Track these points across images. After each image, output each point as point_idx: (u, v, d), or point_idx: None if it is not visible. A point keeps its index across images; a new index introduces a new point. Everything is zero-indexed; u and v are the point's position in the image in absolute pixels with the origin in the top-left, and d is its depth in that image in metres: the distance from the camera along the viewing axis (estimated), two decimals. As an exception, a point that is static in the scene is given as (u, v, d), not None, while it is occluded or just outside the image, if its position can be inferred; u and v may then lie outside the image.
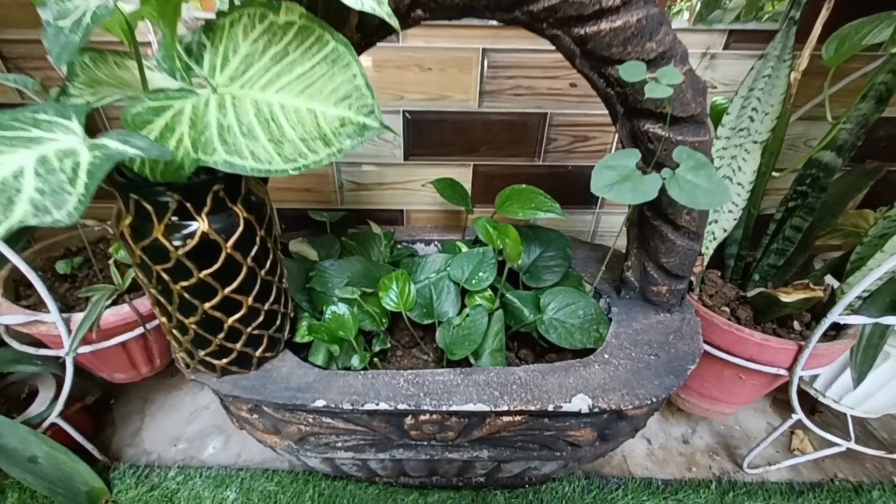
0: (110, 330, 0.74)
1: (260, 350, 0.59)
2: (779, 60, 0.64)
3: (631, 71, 0.48)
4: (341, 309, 0.66)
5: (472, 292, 0.72)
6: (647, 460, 0.93)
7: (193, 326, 0.53)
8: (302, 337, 0.66)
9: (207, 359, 0.57)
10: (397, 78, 0.83)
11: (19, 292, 0.78)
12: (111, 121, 0.86)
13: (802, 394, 0.78)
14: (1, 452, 0.69)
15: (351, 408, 0.56)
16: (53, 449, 0.75)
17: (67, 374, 0.73)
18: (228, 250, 0.49)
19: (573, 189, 0.98)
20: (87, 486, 0.77)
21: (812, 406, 1.00)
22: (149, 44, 0.78)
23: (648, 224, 0.65)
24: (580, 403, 0.57)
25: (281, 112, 0.39)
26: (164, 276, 0.48)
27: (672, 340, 0.66)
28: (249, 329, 0.56)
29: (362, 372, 0.61)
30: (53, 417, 0.77)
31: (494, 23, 0.76)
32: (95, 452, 0.85)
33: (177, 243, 0.46)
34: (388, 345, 0.71)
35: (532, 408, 0.56)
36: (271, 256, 0.55)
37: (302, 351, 0.67)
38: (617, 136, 0.91)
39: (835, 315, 0.65)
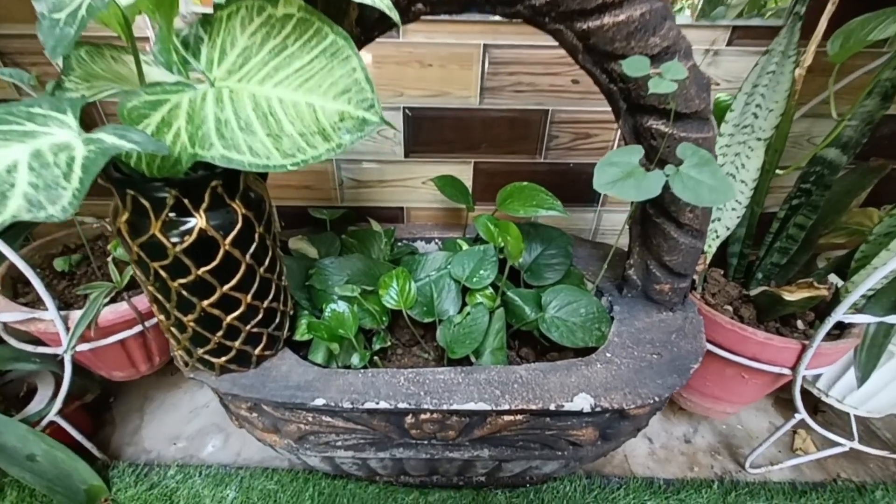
0: (109, 328, 0.73)
1: (259, 348, 0.59)
2: (783, 56, 0.63)
3: (634, 66, 0.48)
4: (341, 307, 0.65)
5: (472, 290, 0.71)
6: (648, 460, 0.92)
7: (192, 324, 0.53)
8: (301, 335, 0.66)
9: (206, 357, 0.57)
10: (397, 74, 0.82)
11: (17, 289, 0.77)
12: (109, 117, 0.85)
13: (805, 393, 0.77)
14: (-1, 451, 0.69)
15: (351, 406, 0.56)
16: (52, 447, 0.74)
17: (66, 372, 0.73)
18: (227, 247, 0.48)
19: (574, 187, 0.97)
20: (85, 485, 0.77)
21: (814, 405, 0.99)
22: (147, 39, 0.77)
23: (651, 222, 0.64)
24: (582, 403, 0.56)
25: (279, 106, 0.38)
26: (162, 273, 0.48)
27: (675, 339, 0.65)
28: (248, 327, 0.56)
29: (362, 370, 0.60)
30: (52, 415, 0.76)
31: (496, 18, 0.76)
32: (94, 451, 0.85)
33: (174, 240, 0.46)
34: (389, 343, 0.71)
35: (533, 407, 0.56)
36: (270, 254, 0.55)
37: (301, 349, 0.66)
38: (619, 133, 0.91)
39: (839, 314, 0.64)
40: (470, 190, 0.84)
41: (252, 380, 0.59)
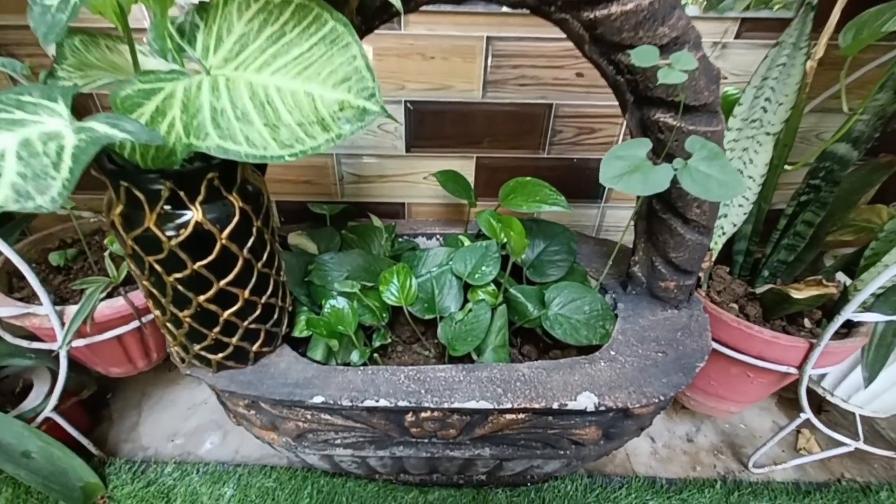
0: (105, 323, 0.72)
1: (257, 345, 0.58)
2: (794, 48, 0.61)
3: (643, 56, 0.46)
4: (341, 303, 0.64)
5: (474, 287, 0.70)
6: (650, 459, 0.91)
7: (188, 320, 0.52)
8: (300, 331, 0.64)
9: (203, 353, 0.56)
10: (399, 66, 0.80)
11: (12, 284, 0.76)
12: (106, 109, 0.84)
13: (809, 392, 0.76)
14: (-6, 447, 0.68)
15: (350, 404, 0.55)
16: (48, 444, 0.73)
17: (61, 367, 0.72)
18: (223, 241, 0.47)
19: (578, 182, 0.96)
20: (82, 482, 0.76)
21: (818, 405, 0.98)
22: (144, 30, 0.76)
23: (657, 217, 0.63)
24: (586, 401, 0.55)
25: (277, 95, 0.37)
26: (157, 267, 0.47)
27: (680, 337, 0.64)
28: (246, 323, 0.55)
29: (362, 368, 0.59)
30: (48, 412, 0.76)
31: (500, 9, 0.75)
32: (91, 447, 0.84)
33: (170, 233, 0.44)
34: (389, 340, 0.70)
35: (536, 406, 0.55)
36: (268, 248, 0.54)
37: (300, 346, 0.65)
38: (624, 128, 0.89)
39: (849, 312, 0.63)
40: (472, 185, 0.83)
41: (250, 377, 0.58)
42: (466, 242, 0.77)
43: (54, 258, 0.78)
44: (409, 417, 0.58)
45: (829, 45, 0.61)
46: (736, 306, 0.78)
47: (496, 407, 0.55)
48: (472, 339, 0.64)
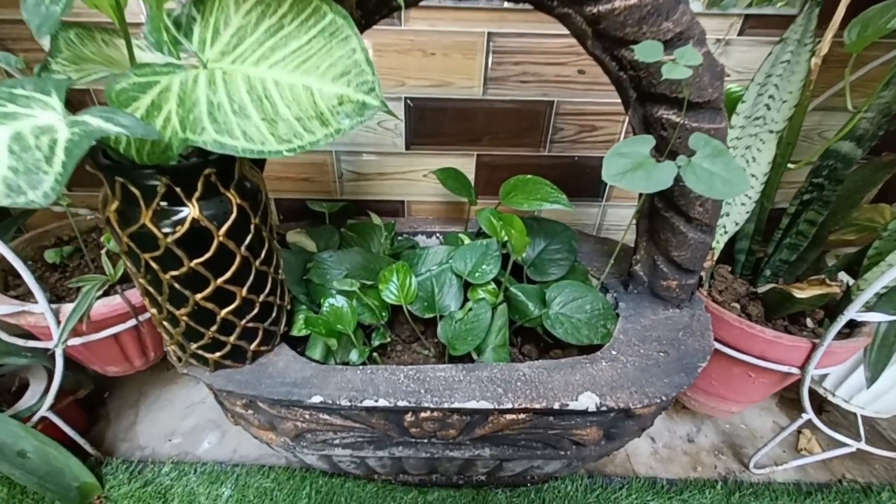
0: (102, 322, 0.71)
1: (255, 343, 0.57)
2: (799, 45, 0.61)
3: (647, 51, 0.46)
4: (340, 301, 0.64)
5: (475, 285, 0.69)
6: (651, 459, 0.91)
7: (185, 318, 0.51)
8: (299, 330, 0.64)
9: (200, 352, 0.55)
10: (399, 63, 0.80)
11: (8, 282, 0.75)
12: (104, 106, 0.83)
13: (810, 393, 0.75)
14: (-12, 447, 0.67)
15: (349, 404, 0.54)
16: (43, 443, 0.73)
17: (57, 366, 0.71)
18: (221, 238, 0.46)
19: (579, 181, 0.95)
20: (78, 482, 0.75)
21: (819, 405, 0.98)
22: (141, 25, 0.75)
23: (659, 216, 0.62)
24: (587, 402, 0.54)
25: (275, 89, 0.36)
26: (153, 264, 0.46)
27: (682, 337, 0.64)
28: (243, 322, 0.54)
29: (361, 367, 0.59)
30: (44, 411, 0.75)
31: (501, 4, 0.74)
32: (87, 447, 0.83)
33: (166, 230, 0.44)
34: (388, 339, 0.69)
35: (537, 406, 0.54)
36: (266, 246, 0.53)
37: (299, 345, 0.64)
38: (626, 125, 0.89)
39: (852, 312, 0.62)
40: (472, 183, 0.82)
41: (247, 376, 0.57)
42: (466, 241, 0.76)
43: (50, 255, 0.78)
44: (409, 417, 0.57)
45: (832, 42, 0.60)
46: (738, 306, 0.77)
47: (496, 407, 0.54)
48: (473, 339, 0.63)
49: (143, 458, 0.87)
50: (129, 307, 0.72)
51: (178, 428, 0.93)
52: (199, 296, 0.49)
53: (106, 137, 0.40)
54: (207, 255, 0.46)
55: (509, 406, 0.54)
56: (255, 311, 0.54)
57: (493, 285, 0.70)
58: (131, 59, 0.44)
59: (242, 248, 0.49)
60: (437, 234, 0.88)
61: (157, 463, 0.85)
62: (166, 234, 0.44)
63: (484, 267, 0.69)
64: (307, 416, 0.58)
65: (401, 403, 0.54)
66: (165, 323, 0.53)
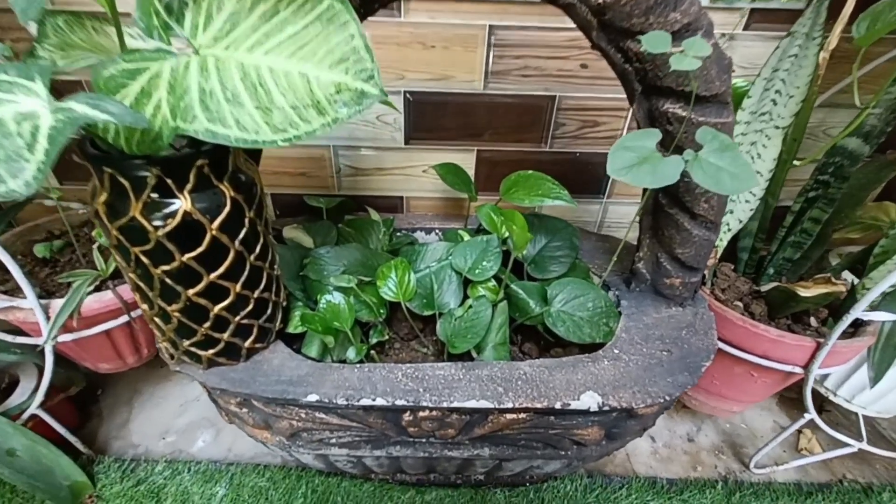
0: (93, 317, 0.70)
1: (249, 341, 0.56)
2: (807, 38, 0.60)
3: (655, 42, 0.44)
4: (337, 298, 0.62)
5: (474, 282, 0.68)
6: (651, 459, 0.90)
7: (177, 314, 0.49)
8: (295, 327, 0.63)
9: (192, 349, 0.54)
10: (398, 56, 0.78)
11: (-3, 277, 0.74)
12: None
13: (811, 392, 0.75)
14: (-24, 445, 0.66)
15: (346, 403, 0.53)
16: (33, 441, 0.71)
17: (47, 363, 0.70)
18: (214, 232, 0.45)
19: (580, 177, 0.94)
20: (69, 481, 0.74)
21: (819, 405, 0.97)
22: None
23: (663, 212, 0.61)
24: (589, 401, 0.53)
25: (269, 76, 0.35)
26: (144, 258, 0.44)
27: (685, 336, 0.63)
28: (238, 318, 0.53)
29: (358, 365, 0.58)
30: (34, 409, 0.73)
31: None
32: (79, 445, 0.81)
33: (157, 223, 0.42)
34: (386, 337, 0.68)
35: (538, 405, 0.53)
36: (261, 240, 0.52)
37: (295, 342, 0.63)
38: (628, 121, 0.87)
39: (858, 311, 0.61)
40: (472, 179, 0.81)
41: (242, 374, 0.56)
42: (466, 237, 0.75)
43: (39, 250, 0.76)
44: (407, 417, 0.56)
45: (839, 37, 0.59)
46: (741, 304, 0.76)
47: (497, 406, 0.53)
48: (473, 337, 0.62)
49: (136, 456, 0.85)
50: (120, 303, 0.70)
51: (172, 426, 0.92)
52: (191, 291, 0.48)
53: (93, 125, 0.38)
54: (200, 250, 0.45)
55: (510, 405, 0.53)
56: (250, 307, 0.53)
57: (493, 282, 0.68)
58: (122, 47, 0.43)
59: (236, 243, 0.47)
60: (437, 231, 0.86)
61: (151, 461, 0.84)
62: (157, 228, 0.42)
63: (484, 263, 0.67)
64: (303, 415, 0.57)
65: (399, 402, 0.53)
66: (157, 319, 0.51)
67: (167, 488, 0.79)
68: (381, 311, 0.66)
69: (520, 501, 0.80)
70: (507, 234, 0.68)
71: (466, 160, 0.91)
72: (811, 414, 0.76)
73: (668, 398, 0.55)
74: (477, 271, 0.67)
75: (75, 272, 0.70)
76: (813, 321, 0.74)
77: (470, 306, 0.65)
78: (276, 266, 0.57)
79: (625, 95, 0.58)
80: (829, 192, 0.70)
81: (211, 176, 0.44)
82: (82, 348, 0.75)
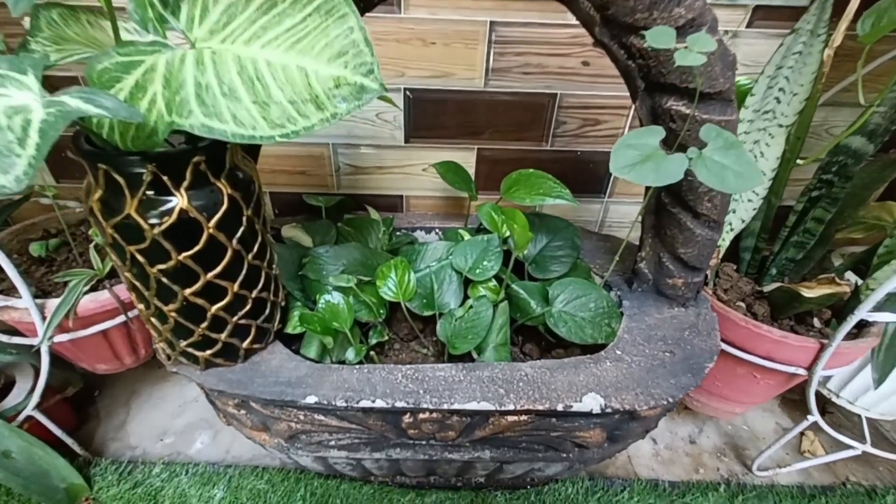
0: (89, 317, 0.69)
1: (247, 341, 0.55)
2: (812, 35, 0.59)
3: (659, 37, 0.44)
4: (336, 298, 0.61)
5: (475, 282, 0.67)
6: (652, 461, 0.89)
7: (173, 314, 0.49)
8: (293, 328, 0.62)
9: (190, 350, 0.53)
10: (398, 52, 0.77)
11: (-8, 276, 0.73)
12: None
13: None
14: (-30, 447, 0.65)
15: (345, 405, 0.52)
16: (29, 443, 0.70)
17: (43, 364, 0.69)
18: (211, 230, 0.44)
19: (581, 176, 0.93)
20: (65, 483, 0.73)
21: (822, 406, 0.96)
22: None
23: (666, 212, 0.60)
24: (591, 403, 0.53)
25: (267, 70, 0.34)
26: (139, 257, 0.44)
27: (688, 336, 0.62)
28: (235, 318, 0.52)
29: (358, 366, 0.57)
30: (30, 410, 0.72)
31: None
32: (76, 447, 0.81)
33: (152, 221, 0.42)
34: (386, 337, 0.67)
35: (540, 407, 0.52)
36: (259, 239, 0.51)
37: (293, 343, 0.62)
38: (630, 120, 0.87)
39: (863, 311, 0.61)
40: (473, 178, 0.80)
41: (239, 375, 0.55)
42: (466, 237, 0.74)
43: (35, 249, 0.75)
44: (407, 419, 0.55)
45: (843, 35, 0.58)
46: (743, 305, 0.75)
47: (498, 408, 0.52)
48: (473, 337, 0.61)
49: (134, 458, 0.84)
50: (117, 303, 0.70)
51: (170, 427, 0.91)
52: (188, 291, 0.47)
53: (88, 121, 0.38)
54: (197, 248, 0.44)
55: (511, 407, 0.52)
56: (248, 307, 0.52)
57: (494, 282, 0.68)
58: (117, 41, 0.42)
59: (234, 242, 0.47)
60: (437, 230, 0.86)
61: (148, 463, 0.83)
62: (153, 226, 0.41)
63: (485, 263, 0.67)
64: (301, 417, 0.56)
65: (399, 404, 0.52)
66: (153, 319, 0.50)
67: (165, 491, 0.78)
68: (381, 311, 0.65)
69: (520, 504, 0.79)
70: (507, 234, 0.68)
71: (467, 158, 0.91)
72: (814, 416, 0.75)
73: (671, 400, 0.54)
74: (477, 271, 0.66)
75: (71, 271, 0.69)
76: (816, 322, 0.73)
77: (470, 306, 0.64)
78: (274, 265, 0.57)
79: (626, 93, 0.57)
80: (832, 192, 0.69)
81: (208, 173, 0.43)
82: (79, 349, 0.74)
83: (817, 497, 0.83)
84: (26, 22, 0.44)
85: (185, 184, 0.42)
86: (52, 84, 0.30)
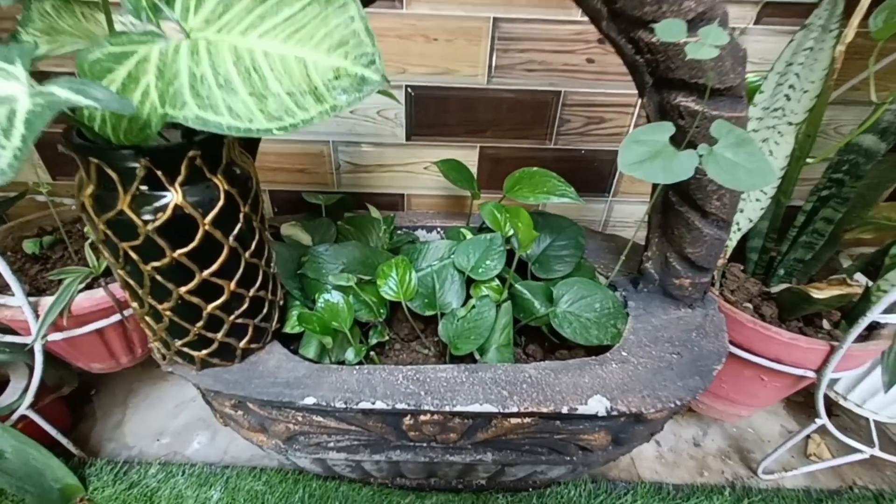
0: (84, 316, 0.68)
1: (244, 341, 0.54)
2: (823, 31, 0.58)
3: (669, 30, 0.42)
4: (335, 297, 0.60)
5: (477, 282, 0.66)
6: (656, 463, 0.88)
7: (168, 313, 0.47)
8: (292, 327, 0.61)
9: (185, 349, 0.52)
10: (400, 49, 0.76)
11: (-14, 274, 0.72)
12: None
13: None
14: (-38, 447, 0.64)
15: (344, 406, 0.51)
16: (22, 443, 0.69)
17: (37, 363, 0.68)
18: (206, 227, 0.43)
19: (585, 175, 0.92)
20: (59, 484, 0.72)
21: (828, 409, 0.95)
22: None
23: (673, 210, 0.59)
24: (597, 406, 0.51)
25: (264, 60, 0.33)
26: (133, 254, 0.42)
27: (695, 338, 0.61)
28: (232, 317, 0.51)
29: (357, 367, 0.55)
30: (24, 409, 0.71)
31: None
32: (71, 447, 0.79)
33: (146, 217, 0.40)
34: (386, 337, 0.66)
35: (544, 409, 0.51)
36: (257, 237, 0.50)
37: (292, 343, 0.61)
38: (635, 118, 0.85)
39: (875, 313, 0.59)
40: (475, 176, 0.79)
41: (236, 375, 0.54)
42: (469, 235, 0.73)
43: (28, 246, 0.74)
44: (408, 420, 0.54)
45: (854, 31, 0.57)
46: (750, 306, 0.74)
47: (501, 411, 0.51)
48: (476, 338, 0.60)
49: (130, 458, 0.83)
50: (113, 301, 0.68)
51: (167, 427, 0.90)
52: (183, 289, 0.46)
53: (79, 113, 0.36)
54: (192, 246, 0.43)
55: (515, 410, 0.51)
56: (245, 306, 0.51)
57: (496, 282, 0.66)
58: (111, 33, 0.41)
59: (230, 239, 0.45)
60: (438, 229, 0.84)
61: (144, 464, 0.82)
62: (146, 222, 0.40)
63: (487, 262, 0.65)
64: (300, 418, 0.55)
65: (399, 406, 0.51)
66: (148, 318, 0.49)
67: (160, 491, 0.77)
68: (381, 310, 0.64)
69: (522, 507, 0.78)
70: (511, 232, 0.66)
71: (469, 157, 0.89)
72: (822, 419, 0.74)
73: (678, 403, 0.53)
74: (480, 270, 0.65)
75: (66, 269, 0.68)
76: (825, 324, 0.72)
77: (473, 306, 0.63)
78: (272, 264, 0.55)
79: (632, 91, 0.56)
80: (842, 191, 0.68)
81: (204, 168, 0.42)
82: (74, 347, 0.73)
83: (824, 501, 0.82)
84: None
85: (180, 179, 0.40)
86: (48, 79, 0.29)
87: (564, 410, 0.51)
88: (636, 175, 0.45)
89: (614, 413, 0.51)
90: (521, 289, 0.65)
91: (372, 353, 0.64)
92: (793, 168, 0.67)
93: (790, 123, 0.64)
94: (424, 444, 0.59)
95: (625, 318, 0.63)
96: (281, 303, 0.59)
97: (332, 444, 0.60)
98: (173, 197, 0.40)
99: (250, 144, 0.63)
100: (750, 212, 0.72)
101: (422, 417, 0.54)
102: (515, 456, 0.61)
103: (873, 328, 0.69)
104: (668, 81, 0.51)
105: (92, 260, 0.70)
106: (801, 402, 1.00)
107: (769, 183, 0.43)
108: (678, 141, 0.52)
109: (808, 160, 0.66)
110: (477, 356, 0.62)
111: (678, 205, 0.58)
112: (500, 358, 0.61)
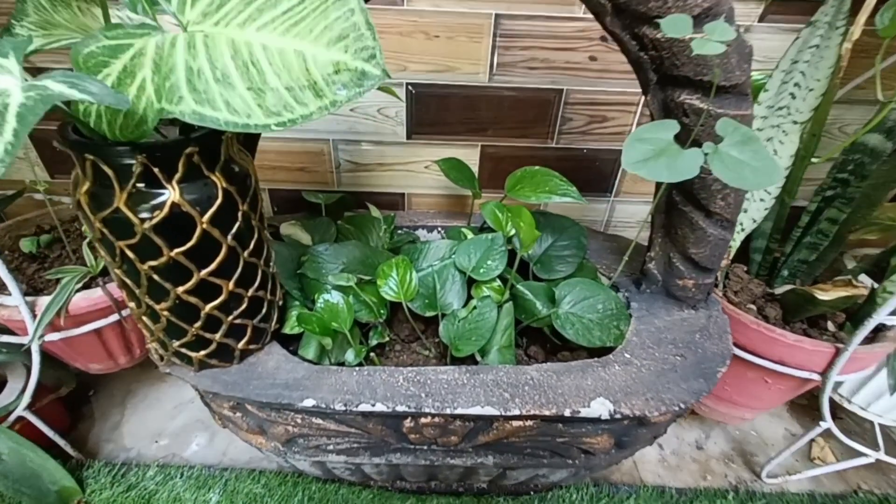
0: (82, 316, 0.67)
1: (243, 342, 0.53)
2: (830, 28, 0.57)
3: (675, 25, 0.42)
4: (335, 297, 0.59)
5: (479, 282, 0.65)
6: (658, 467, 0.87)
7: (165, 313, 0.47)
8: (291, 328, 0.60)
9: (183, 350, 0.51)
10: (400, 46, 0.76)
11: (-18, 273, 0.71)
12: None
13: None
14: (-43, 448, 0.63)
15: (344, 408, 0.50)
16: (19, 445, 0.69)
17: (34, 363, 0.67)
18: (204, 226, 0.42)
19: (587, 174, 0.91)
20: (56, 486, 0.71)
21: (832, 412, 0.94)
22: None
23: (677, 210, 0.58)
24: (600, 408, 0.51)
25: (263, 54, 0.32)
26: (129, 253, 0.42)
27: (699, 340, 0.60)
28: (230, 318, 0.50)
29: (357, 368, 0.55)
30: (21, 410, 0.71)
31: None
32: (68, 448, 0.79)
33: (143, 215, 0.40)
34: (387, 338, 0.65)
35: (547, 412, 0.50)
36: (256, 236, 0.49)
37: (291, 343, 0.60)
38: (638, 117, 0.85)
39: (882, 315, 0.59)
40: (476, 175, 0.78)
41: (235, 376, 0.53)
42: (470, 235, 0.72)
43: (25, 245, 0.73)
44: (408, 423, 0.53)
45: (861, 29, 0.56)
46: (754, 307, 0.73)
47: (503, 413, 0.50)
48: (477, 339, 0.59)
49: (128, 460, 0.83)
50: (111, 301, 0.68)
51: (165, 428, 0.89)
52: (180, 289, 0.45)
53: (74, 108, 0.36)
54: (190, 244, 0.42)
55: (517, 412, 0.50)
56: (244, 306, 0.50)
57: (498, 282, 0.66)
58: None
59: (229, 238, 0.45)
60: (439, 229, 0.84)
61: (142, 466, 0.81)
62: (143, 220, 0.39)
63: (489, 263, 0.65)
64: (299, 421, 0.54)
65: (399, 408, 0.50)
66: (145, 318, 0.48)
67: (159, 494, 0.76)
68: (382, 311, 0.63)
69: (523, 510, 0.77)
70: (512, 232, 0.66)
71: (470, 156, 0.89)
72: (827, 423, 0.73)
73: (682, 406, 0.52)
74: (481, 270, 0.64)
75: (63, 268, 0.67)
76: (830, 326, 0.71)
77: (474, 307, 0.62)
78: (271, 263, 0.55)
79: (635, 90, 0.55)
80: (847, 191, 0.67)
81: (201, 165, 0.41)
82: (71, 348, 0.73)
83: (829, 505, 0.81)
84: None
85: (178, 176, 0.40)
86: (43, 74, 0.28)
87: (567, 413, 0.50)
88: (640, 173, 0.44)
89: (617, 416, 0.51)
90: (522, 289, 0.64)
91: (372, 354, 0.64)
92: (797, 168, 0.66)
93: (795, 122, 0.63)
94: (425, 447, 0.58)
95: (627, 319, 0.62)
96: (280, 303, 0.59)
97: (331, 447, 0.59)
98: (170, 194, 0.40)
99: (249, 141, 0.62)
100: (754, 212, 0.71)
101: (422, 420, 0.53)
102: (517, 459, 0.60)
103: (879, 330, 0.68)
104: (673, 78, 0.50)
105: (90, 259, 0.69)
106: (805, 405, 0.99)
107: (776, 182, 0.42)
108: (682, 139, 0.51)
109: (813, 160, 0.65)
110: (478, 358, 0.61)
111: (682, 204, 0.57)
112: (502, 359, 0.60)
